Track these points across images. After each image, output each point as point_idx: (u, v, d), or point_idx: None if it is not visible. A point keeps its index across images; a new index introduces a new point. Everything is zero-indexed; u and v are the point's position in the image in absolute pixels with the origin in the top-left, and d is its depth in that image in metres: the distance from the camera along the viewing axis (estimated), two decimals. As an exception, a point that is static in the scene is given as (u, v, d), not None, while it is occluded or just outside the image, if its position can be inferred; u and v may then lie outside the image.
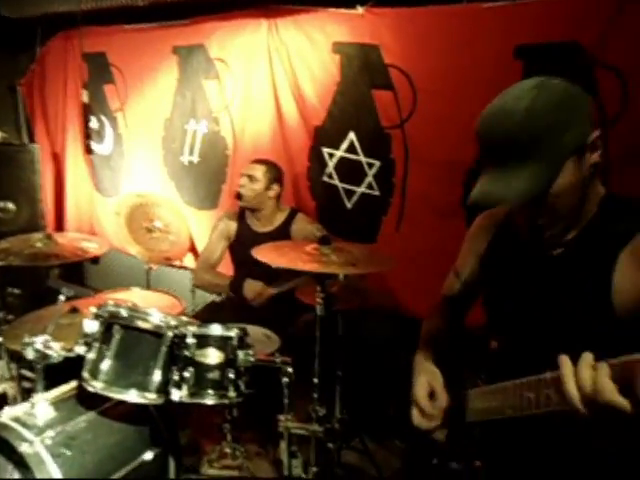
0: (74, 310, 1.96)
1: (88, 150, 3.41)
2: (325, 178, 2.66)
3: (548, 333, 0.99)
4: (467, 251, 1.25)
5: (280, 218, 2.54)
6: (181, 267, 3.33)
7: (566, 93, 0.90)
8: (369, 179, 2.51)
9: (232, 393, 1.55)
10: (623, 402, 0.67)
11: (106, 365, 1.54)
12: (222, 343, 1.57)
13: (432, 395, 1.14)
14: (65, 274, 3.67)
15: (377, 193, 2.50)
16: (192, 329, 1.57)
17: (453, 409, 1.12)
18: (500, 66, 2.01)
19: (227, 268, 2.71)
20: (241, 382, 1.58)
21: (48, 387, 1.57)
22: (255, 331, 2.08)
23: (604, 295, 0.92)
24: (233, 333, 1.58)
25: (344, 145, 2.56)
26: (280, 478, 1.89)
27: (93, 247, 2.51)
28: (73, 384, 1.63)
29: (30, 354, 1.50)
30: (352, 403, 2.16)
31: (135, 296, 2.56)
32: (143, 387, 1.54)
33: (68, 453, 1.45)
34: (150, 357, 1.56)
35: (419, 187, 2.37)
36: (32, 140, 3.86)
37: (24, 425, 1.43)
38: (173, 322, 1.59)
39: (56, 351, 1.52)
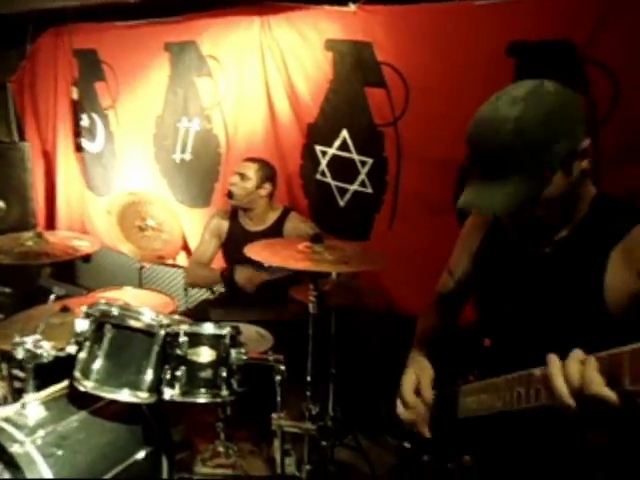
0: (65, 309, 1.94)
1: (78, 148, 3.38)
2: (318, 176, 2.66)
3: (540, 331, 0.99)
4: (460, 249, 1.26)
5: (273, 217, 2.54)
6: (174, 266, 3.32)
7: (557, 102, 0.88)
8: (362, 177, 2.51)
9: (225, 392, 1.55)
10: (611, 395, 0.67)
11: (97, 364, 1.53)
12: (214, 341, 1.57)
13: (418, 391, 1.16)
14: (56, 273, 3.65)
15: (370, 191, 2.50)
16: (184, 328, 1.56)
17: (444, 405, 1.13)
18: (493, 63, 2.02)
19: (219, 267, 2.69)
20: (234, 380, 1.58)
21: (39, 387, 1.56)
22: (248, 329, 2.07)
23: (596, 294, 0.92)
24: (225, 331, 1.58)
25: (337, 143, 2.55)
26: (273, 476, 1.89)
27: (84, 245, 2.49)
28: (64, 384, 1.62)
29: (20, 354, 1.49)
30: (345, 401, 2.16)
31: (127, 295, 2.55)
32: (135, 386, 1.53)
33: (59, 453, 1.44)
34: (142, 356, 1.56)
35: (412, 185, 2.37)
36: (22, 138, 3.83)
37: (15, 425, 1.42)
38: (165, 321, 1.58)
39: (47, 351, 1.51)
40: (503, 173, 0.88)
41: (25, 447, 1.37)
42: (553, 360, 0.76)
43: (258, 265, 2.28)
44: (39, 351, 1.50)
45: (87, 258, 3.70)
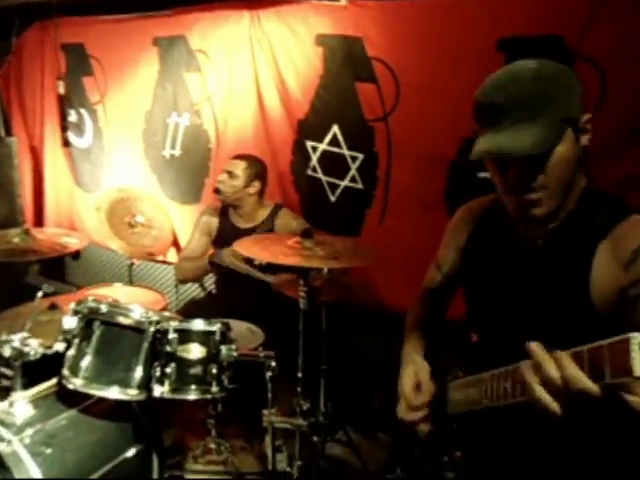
0: (53, 307, 1.93)
1: (65, 143, 3.34)
2: (309, 172, 2.65)
3: (527, 325, 1.00)
4: (448, 243, 1.26)
5: (263, 214, 2.52)
6: (164, 262, 3.30)
7: (564, 68, 0.93)
8: (352, 172, 2.50)
9: (215, 388, 1.54)
10: (594, 387, 0.68)
11: (86, 362, 1.52)
12: (204, 338, 1.56)
13: (418, 387, 1.15)
14: (45, 270, 3.62)
15: (360, 186, 2.50)
16: (174, 324, 1.55)
17: (434, 401, 1.13)
18: (483, 59, 2.01)
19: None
20: (224, 377, 1.57)
21: (27, 385, 1.54)
22: (239, 326, 2.07)
23: (582, 288, 0.93)
24: (215, 328, 1.57)
25: (327, 138, 2.54)
26: (265, 472, 1.88)
27: (73, 242, 2.48)
28: (53, 382, 1.61)
29: (7, 352, 1.47)
30: (336, 396, 2.16)
31: (117, 292, 2.54)
32: (125, 383, 1.52)
33: (48, 452, 1.43)
34: (131, 353, 1.55)
35: (402, 180, 2.37)
36: (9, 133, 3.77)
37: (2, 424, 1.41)
38: (155, 317, 1.58)
39: (34, 348, 1.50)
40: (527, 115, 0.89)
41: (13, 446, 1.36)
42: (526, 369, 0.77)
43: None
44: (26, 349, 1.48)
45: (76, 255, 3.65)
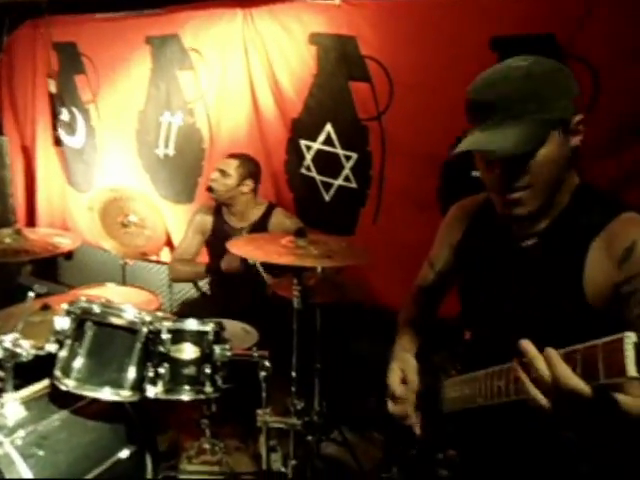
0: (45, 307, 1.91)
1: (56, 142, 3.32)
2: (303, 171, 2.64)
3: (521, 323, 1.00)
4: (441, 241, 1.26)
5: (257, 213, 2.51)
6: (158, 262, 3.28)
7: (562, 68, 0.94)
8: (346, 172, 2.50)
9: (209, 388, 1.54)
10: (583, 387, 0.68)
11: (79, 363, 1.52)
12: (198, 338, 1.56)
13: (404, 382, 1.16)
14: (38, 271, 3.59)
15: (354, 186, 2.49)
16: (167, 324, 1.55)
17: (429, 399, 1.13)
18: (477, 58, 2.01)
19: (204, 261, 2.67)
20: (218, 377, 1.57)
21: (19, 386, 1.53)
22: (233, 325, 2.06)
23: (576, 285, 0.93)
24: (209, 328, 1.57)
25: (321, 137, 2.54)
26: (259, 472, 1.88)
27: (65, 242, 2.46)
28: (45, 383, 1.60)
29: (-1, 353, 1.46)
30: (331, 396, 2.16)
31: (110, 292, 2.52)
32: (117, 384, 1.52)
33: (40, 453, 1.42)
34: (124, 354, 1.54)
35: (396, 179, 2.37)
36: (0, 132, 3.75)
37: (-7, 426, 1.40)
38: (148, 318, 1.57)
39: (26, 349, 1.49)
40: (514, 114, 0.89)
41: (4, 448, 1.35)
42: (517, 369, 0.77)
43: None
44: (18, 350, 1.48)
45: (69, 255, 3.64)
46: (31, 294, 1.62)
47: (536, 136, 0.89)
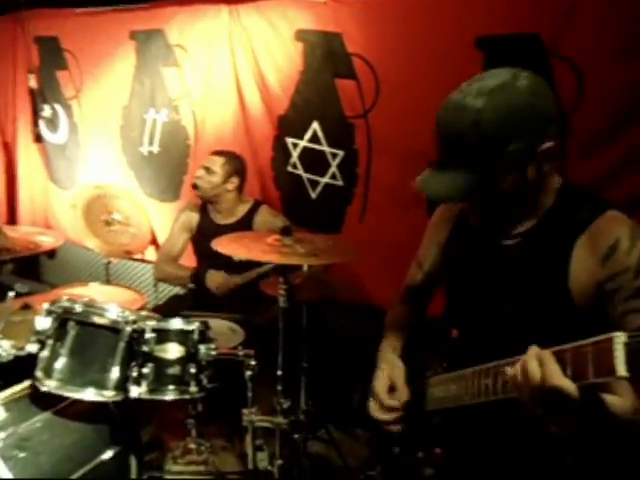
0: (26, 307, 1.88)
1: (37, 138, 3.26)
2: (289, 168, 2.63)
3: (507, 322, 1.00)
4: (428, 241, 1.26)
5: (243, 210, 2.50)
6: (143, 261, 3.25)
7: (527, 100, 0.87)
8: (333, 169, 2.49)
9: (193, 388, 1.53)
10: (570, 386, 0.68)
11: (60, 363, 1.49)
12: (182, 337, 1.54)
13: (392, 388, 1.15)
14: (19, 269, 3.53)
15: (341, 183, 2.49)
16: (151, 324, 1.53)
17: (414, 397, 1.13)
18: (462, 56, 2.02)
19: (189, 260, 2.65)
20: (203, 376, 1.56)
21: (-1, 388, 1.50)
22: (219, 324, 2.05)
23: (562, 283, 0.93)
24: (194, 327, 1.55)
25: (308, 135, 2.53)
26: (246, 472, 1.87)
27: (47, 241, 2.42)
28: (26, 384, 1.56)
29: (-23, 354, 1.43)
30: (317, 394, 2.16)
31: (94, 291, 2.49)
32: (100, 385, 1.50)
33: (21, 455, 1.39)
34: (107, 353, 1.52)
35: (382, 177, 2.37)
36: (-20, 129, 3.68)
37: (-28, 428, 1.37)
38: (131, 317, 1.55)
39: (6, 350, 1.46)
40: (456, 162, 0.90)
41: (-17, 450, 1.32)
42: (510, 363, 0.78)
43: (229, 266, 2.25)
44: (-3, 350, 1.44)
45: (51, 254, 3.59)
46: (11, 293, 1.59)
47: (476, 183, 0.89)
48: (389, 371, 1.17)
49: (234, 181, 2.44)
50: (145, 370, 1.49)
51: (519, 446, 1.00)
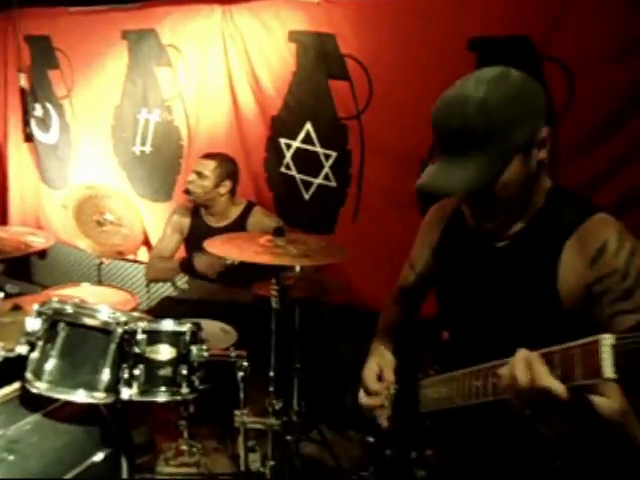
0: (16, 308, 1.86)
1: (27, 138, 3.24)
2: (283, 169, 2.63)
3: (497, 324, 1.00)
4: (421, 242, 1.26)
5: (236, 212, 2.48)
6: (135, 261, 3.24)
7: (523, 88, 0.90)
8: (326, 170, 2.49)
9: (185, 389, 1.52)
10: (559, 387, 0.68)
11: (51, 364, 1.48)
12: (174, 339, 1.53)
13: (381, 378, 1.18)
14: (10, 270, 3.50)
15: (334, 184, 2.49)
16: (142, 325, 1.52)
17: (407, 399, 1.13)
18: (455, 58, 2.03)
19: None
20: (195, 378, 1.55)
21: (-13, 390, 1.49)
22: (211, 325, 2.04)
23: (550, 285, 0.94)
24: (185, 328, 1.55)
25: (301, 136, 2.53)
26: (238, 473, 1.86)
27: (38, 241, 2.40)
28: (15, 386, 1.55)
29: (-34, 355, 1.41)
30: (310, 395, 2.16)
31: (85, 292, 2.47)
32: (91, 386, 1.48)
33: (10, 458, 1.38)
34: (98, 355, 1.51)
35: (375, 178, 2.37)
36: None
37: (-39, 431, 1.35)
38: (123, 318, 1.54)
39: (-5, 351, 1.44)
40: (464, 152, 0.88)
41: (-29, 453, 1.31)
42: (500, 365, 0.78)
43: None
44: (-13, 352, 1.43)
45: (42, 254, 3.57)
46: (1, 294, 1.58)
47: (487, 172, 0.89)
48: (378, 361, 1.20)
49: (227, 185, 2.42)
50: (136, 371, 1.48)
51: (509, 448, 1.00)
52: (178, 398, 1.53)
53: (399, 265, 1.37)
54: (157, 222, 2.98)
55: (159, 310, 2.49)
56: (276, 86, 2.54)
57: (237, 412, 1.67)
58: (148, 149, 3.02)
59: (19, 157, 3.58)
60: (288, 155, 2.59)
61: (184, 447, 1.94)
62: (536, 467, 0.99)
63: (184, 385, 1.52)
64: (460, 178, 0.88)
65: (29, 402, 1.51)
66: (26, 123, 3.21)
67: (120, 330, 1.51)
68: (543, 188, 0.99)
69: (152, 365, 1.50)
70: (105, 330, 1.51)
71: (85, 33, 3.05)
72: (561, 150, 1.84)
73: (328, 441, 2.25)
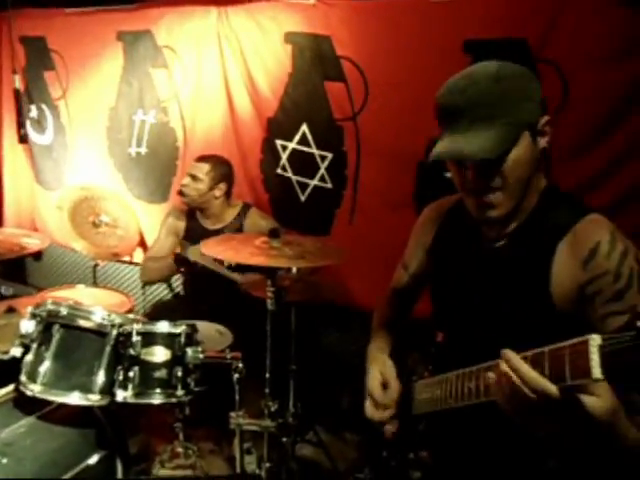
0: (11, 310, 1.86)
1: (22, 139, 3.23)
2: (279, 170, 2.63)
3: (491, 325, 1.01)
4: (414, 243, 1.26)
5: (232, 214, 2.47)
6: (130, 263, 3.22)
7: (527, 72, 0.95)
8: (322, 172, 2.50)
9: (180, 391, 1.52)
10: (551, 387, 0.69)
11: (45, 367, 1.47)
12: (169, 340, 1.53)
13: (385, 386, 1.15)
14: (5, 272, 3.47)
15: (330, 186, 2.49)
16: (137, 327, 1.52)
17: (402, 401, 1.13)
18: (450, 59, 2.03)
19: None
20: (190, 380, 1.55)
21: (-19, 392, 1.48)
22: (207, 327, 2.04)
23: (543, 286, 0.94)
24: (180, 330, 1.54)
25: (297, 137, 2.53)
26: (233, 475, 1.86)
27: (33, 243, 2.40)
28: (9, 388, 1.55)
29: (-40, 358, 1.41)
30: (306, 396, 2.16)
31: (80, 294, 2.47)
32: (86, 388, 1.48)
33: (4, 461, 1.38)
34: (93, 357, 1.51)
35: (371, 180, 2.38)
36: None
37: (-46, 434, 1.35)
38: (117, 320, 1.54)
39: (-11, 354, 1.44)
40: (484, 118, 0.89)
41: (-35, 457, 1.30)
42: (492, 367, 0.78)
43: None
44: (-20, 355, 1.42)
45: (37, 256, 3.55)
46: (-5, 296, 1.57)
47: (505, 139, 0.89)
48: (380, 368, 1.17)
49: (221, 187, 2.40)
50: (131, 374, 1.48)
51: (503, 449, 1.00)
52: (173, 400, 1.53)
53: (395, 266, 1.37)
54: (153, 224, 2.98)
55: (155, 312, 2.49)
56: (272, 87, 2.54)
57: (233, 414, 1.67)
58: (144, 150, 3.01)
59: (14, 158, 3.56)
60: (284, 156, 2.60)
61: (180, 449, 1.93)
62: (529, 468, 0.99)
63: (179, 387, 1.52)
64: (478, 146, 0.88)
65: (23, 404, 1.51)
66: (21, 124, 3.20)
67: (115, 332, 1.51)
68: (538, 188, 1.00)
69: (147, 367, 1.50)
70: (100, 332, 1.51)
71: (80, 34, 3.04)
72: (555, 151, 1.85)
73: (324, 443, 2.24)
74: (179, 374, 1.51)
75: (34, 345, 1.50)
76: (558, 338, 0.71)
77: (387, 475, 1.22)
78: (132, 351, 1.49)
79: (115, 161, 3.15)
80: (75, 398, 1.47)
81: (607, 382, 0.66)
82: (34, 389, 1.45)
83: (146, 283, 2.82)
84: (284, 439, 1.98)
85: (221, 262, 2.20)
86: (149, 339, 1.52)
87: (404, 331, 1.31)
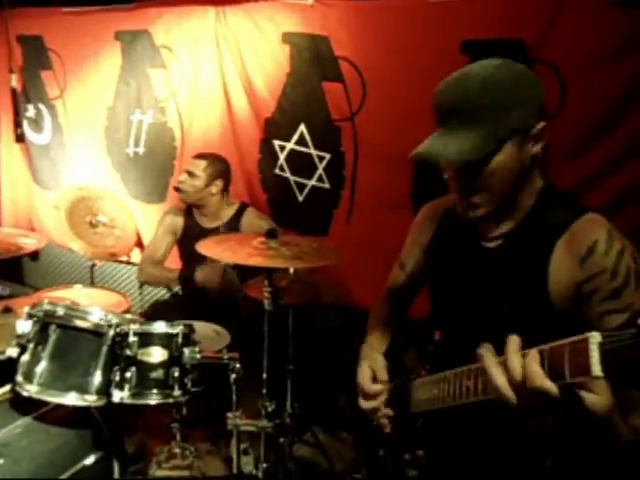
0: (7, 310, 1.85)
1: (18, 139, 3.22)
2: (277, 171, 2.63)
3: (488, 324, 1.00)
4: (411, 242, 1.26)
5: (229, 213, 2.48)
6: (128, 263, 3.22)
7: (525, 76, 0.94)
8: (320, 172, 2.50)
9: (177, 392, 1.51)
10: (552, 387, 0.69)
11: (42, 367, 1.47)
12: (166, 341, 1.53)
13: (375, 378, 1.18)
14: (1, 272, 3.47)
15: (327, 186, 2.49)
16: (134, 327, 1.51)
17: (398, 400, 1.13)
18: (448, 60, 2.03)
19: (174, 263, 2.62)
20: (187, 380, 1.54)
21: (-23, 393, 1.48)
22: (204, 327, 2.03)
23: (541, 285, 0.94)
24: (177, 330, 1.54)
25: (295, 137, 2.53)
26: (231, 476, 1.86)
27: (30, 243, 2.40)
28: (6, 389, 1.54)
29: (-45, 358, 1.40)
30: (303, 397, 2.15)
31: (78, 294, 2.47)
32: (82, 389, 1.48)
33: (0, 462, 1.37)
34: (90, 357, 1.50)
35: (369, 180, 2.38)
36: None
37: (-50, 434, 1.34)
38: (114, 320, 1.53)
39: (-15, 354, 1.43)
40: (462, 125, 0.90)
41: (-40, 457, 1.30)
42: (486, 355, 0.78)
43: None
44: (-23, 355, 1.42)
45: (34, 256, 3.54)
46: (-9, 296, 1.56)
47: (484, 144, 0.89)
48: (370, 364, 1.20)
49: (218, 184, 2.42)
50: (128, 374, 1.48)
51: (500, 448, 1.00)
52: (170, 401, 1.53)
53: (393, 266, 1.37)
54: (150, 223, 2.97)
55: (152, 312, 2.48)
56: (270, 88, 2.54)
57: (230, 414, 1.67)
58: (141, 150, 3.01)
59: (11, 158, 3.55)
60: (282, 157, 2.59)
61: (177, 450, 1.92)
62: (527, 467, 0.99)
63: (176, 387, 1.52)
64: (456, 149, 0.88)
65: (20, 405, 1.51)
66: (18, 124, 3.19)
67: (112, 332, 1.51)
68: (535, 187, 1.00)
69: (144, 367, 1.50)
70: (97, 332, 1.51)
71: (78, 33, 3.03)
72: (552, 152, 1.86)
73: (321, 443, 2.24)
74: (176, 374, 1.51)
75: (30, 345, 1.50)
76: (556, 337, 0.71)
77: (384, 474, 1.22)
78: (129, 351, 1.49)
79: (113, 161, 3.14)
80: (72, 399, 1.46)
81: (607, 380, 0.66)
82: (30, 389, 1.45)
83: (143, 284, 2.81)
84: (281, 439, 1.97)
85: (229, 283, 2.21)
86: (146, 339, 1.51)
87: (401, 330, 1.31)
